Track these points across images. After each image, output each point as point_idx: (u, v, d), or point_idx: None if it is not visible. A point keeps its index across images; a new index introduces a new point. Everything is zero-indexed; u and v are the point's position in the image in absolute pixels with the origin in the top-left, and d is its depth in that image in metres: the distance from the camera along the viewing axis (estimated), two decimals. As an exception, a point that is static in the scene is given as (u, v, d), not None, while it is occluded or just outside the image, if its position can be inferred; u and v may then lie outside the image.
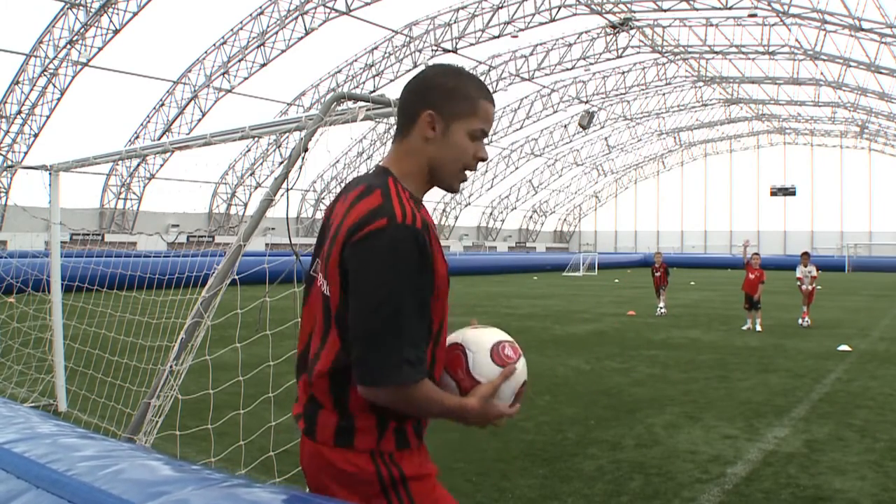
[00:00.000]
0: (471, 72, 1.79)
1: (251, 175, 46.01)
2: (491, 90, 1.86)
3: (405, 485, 1.62)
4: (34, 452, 1.43)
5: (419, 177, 1.72)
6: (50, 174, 6.61)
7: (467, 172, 1.75)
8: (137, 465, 1.37)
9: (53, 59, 30.40)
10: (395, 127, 1.80)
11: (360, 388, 1.55)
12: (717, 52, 36.91)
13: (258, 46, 33.85)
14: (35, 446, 1.47)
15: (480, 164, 1.81)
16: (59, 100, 32.41)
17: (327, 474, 1.64)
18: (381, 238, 1.55)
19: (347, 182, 1.86)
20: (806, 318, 14.55)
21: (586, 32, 36.76)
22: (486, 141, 1.75)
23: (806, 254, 15.52)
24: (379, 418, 1.61)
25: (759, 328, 13.81)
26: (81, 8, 28.42)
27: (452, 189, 1.76)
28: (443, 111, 1.68)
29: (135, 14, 28.72)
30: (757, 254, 15.17)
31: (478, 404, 1.63)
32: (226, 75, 35.36)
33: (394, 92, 4.99)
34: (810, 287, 14.83)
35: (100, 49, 30.19)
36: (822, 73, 37.52)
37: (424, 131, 1.68)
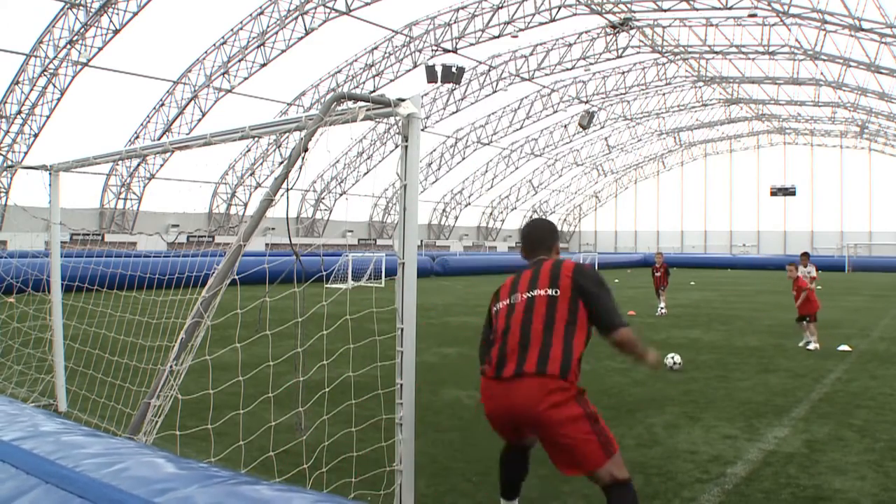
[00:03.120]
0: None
1: (251, 175, 46.00)
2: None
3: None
4: (42, 449, 1.43)
5: None
6: (50, 174, 6.60)
7: None
8: (143, 462, 1.37)
9: (53, 59, 30.38)
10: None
11: (619, 331, 3.73)
12: (717, 52, 36.90)
13: (258, 46, 33.84)
14: (42, 443, 1.47)
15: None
16: (59, 100, 32.39)
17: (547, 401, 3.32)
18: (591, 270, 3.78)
19: (534, 261, 3.93)
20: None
21: (586, 32, 36.76)
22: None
23: (805, 254, 15.45)
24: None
25: (813, 345, 11.32)
26: (81, 8, 28.41)
27: None
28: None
29: (135, 14, 28.71)
30: (793, 264, 12.62)
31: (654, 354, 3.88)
32: (226, 75, 35.34)
33: (394, 92, 4.98)
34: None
35: (100, 49, 30.18)
36: (822, 73, 37.52)
37: (558, 250, 4.02)
